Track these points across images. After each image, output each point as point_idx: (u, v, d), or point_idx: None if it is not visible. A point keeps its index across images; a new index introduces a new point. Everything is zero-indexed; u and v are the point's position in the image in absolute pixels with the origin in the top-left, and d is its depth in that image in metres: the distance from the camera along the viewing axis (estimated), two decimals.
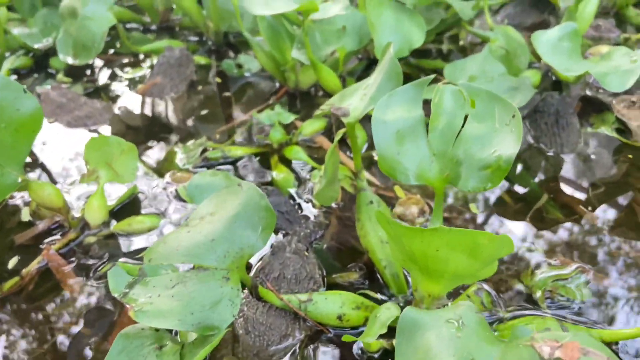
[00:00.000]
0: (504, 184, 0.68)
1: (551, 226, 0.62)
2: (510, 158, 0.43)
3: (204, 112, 0.85)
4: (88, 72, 0.96)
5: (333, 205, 0.64)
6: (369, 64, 0.94)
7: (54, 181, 0.71)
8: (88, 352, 0.48)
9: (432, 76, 0.48)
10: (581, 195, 0.66)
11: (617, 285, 0.55)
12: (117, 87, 0.91)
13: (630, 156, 0.72)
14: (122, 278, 0.43)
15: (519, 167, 0.71)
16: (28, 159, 0.76)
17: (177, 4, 0.99)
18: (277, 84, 0.90)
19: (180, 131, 0.81)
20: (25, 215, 0.65)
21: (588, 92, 0.84)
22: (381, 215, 0.40)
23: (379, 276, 0.54)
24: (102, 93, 0.88)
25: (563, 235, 0.61)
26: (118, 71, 0.95)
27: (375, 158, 0.72)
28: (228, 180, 0.56)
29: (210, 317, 0.38)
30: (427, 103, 0.49)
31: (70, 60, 0.86)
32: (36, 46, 0.97)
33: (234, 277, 0.41)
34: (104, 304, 0.53)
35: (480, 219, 0.64)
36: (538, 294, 0.53)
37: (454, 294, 0.53)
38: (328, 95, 0.85)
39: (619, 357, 0.47)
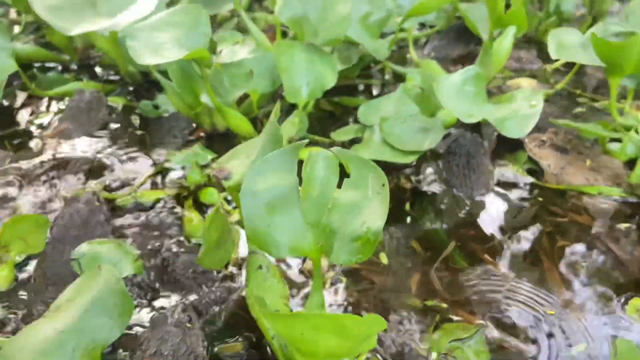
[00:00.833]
0: (414, 230, 0.67)
1: (456, 276, 0.61)
2: (377, 230, 0.41)
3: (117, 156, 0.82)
4: None
5: None
6: (293, 104, 0.93)
7: None
8: None
9: (306, 141, 0.46)
10: (489, 242, 0.66)
11: (520, 339, 0.54)
12: (23, 134, 0.86)
13: (540, 199, 0.71)
14: None
15: (431, 212, 0.70)
16: None
17: (94, 42, 0.96)
18: (195, 125, 0.87)
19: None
20: None
21: None
22: (250, 291, 0.38)
23: (268, 348, 0.51)
24: (6, 141, 0.84)
25: (467, 287, 0.60)
26: (27, 116, 0.90)
27: None
28: (118, 249, 0.54)
29: None
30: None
31: None
32: None
33: None
34: None
35: (389, 270, 0.62)
36: (433, 357, 0.51)
37: None
38: (246, 137, 0.83)
39: None
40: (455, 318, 0.56)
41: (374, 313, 0.37)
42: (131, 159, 0.81)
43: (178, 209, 0.69)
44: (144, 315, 0.56)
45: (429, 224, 0.68)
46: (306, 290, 0.59)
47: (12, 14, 1.25)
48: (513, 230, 0.67)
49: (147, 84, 1.00)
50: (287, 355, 0.50)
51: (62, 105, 0.94)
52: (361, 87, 0.99)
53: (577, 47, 0.73)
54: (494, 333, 0.54)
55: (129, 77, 0.97)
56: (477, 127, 0.85)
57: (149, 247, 0.62)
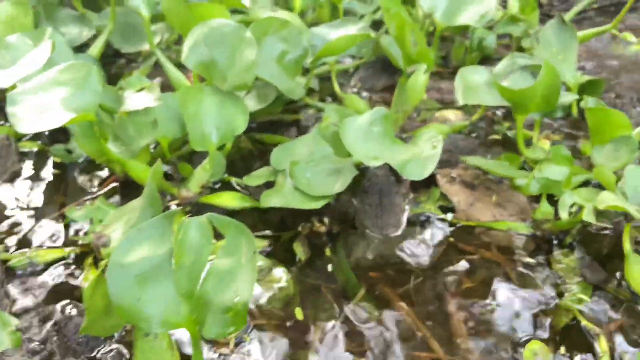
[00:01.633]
0: (327, 278, 0.67)
1: (366, 325, 0.61)
2: (246, 302, 0.40)
3: None
4: None
5: None
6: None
7: None
8: None
9: (179, 209, 0.45)
10: (399, 284, 0.65)
11: None
12: None
13: (451, 239, 0.72)
14: None
15: (343, 257, 0.70)
16: None
17: None
18: (109, 172, 0.85)
19: None
20: None
21: None
22: None
23: None
24: None
25: (376, 337, 0.59)
26: None
27: None
28: None
29: None
30: None
31: None
32: None
33: None
34: None
35: (302, 323, 0.61)
36: None
37: None
38: None
39: None
40: None
41: None
42: (36, 213, 0.77)
43: (78, 269, 0.66)
44: None
45: (341, 269, 0.67)
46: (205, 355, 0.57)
47: None
48: (423, 271, 0.67)
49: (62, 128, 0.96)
50: None
51: None
52: (285, 124, 0.99)
53: (484, 87, 0.75)
54: None
55: None
56: None
57: (42, 310, 0.59)
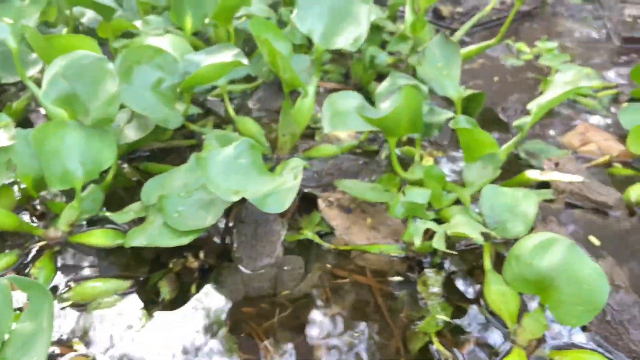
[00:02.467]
0: (195, 320, 0.65)
1: None
2: None
3: None
4: None
5: None
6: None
7: None
8: None
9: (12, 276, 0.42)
10: (265, 319, 0.65)
11: None
12: None
13: (328, 264, 0.72)
14: None
15: (207, 290, 0.68)
16: None
17: None
18: None
19: None
20: None
21: (305, 190, 0.84)
22: None
23: None
24: None
25: None
26: None
27: None
28: None
29: None
30: None
31: None
32: None
33: None
34: None
35: None
36: None
37: None
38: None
39: None
40: None
41: None
42: None
43: None
44: None
45: (207, 309, 0.66)
46: None
47: None
48: (291, 302, 0.66)
49: None
50: None
51: None
52: (179, 149, 0.97)
53: (353, 112, 0.75)
54: None
55: None
56: None
57: None
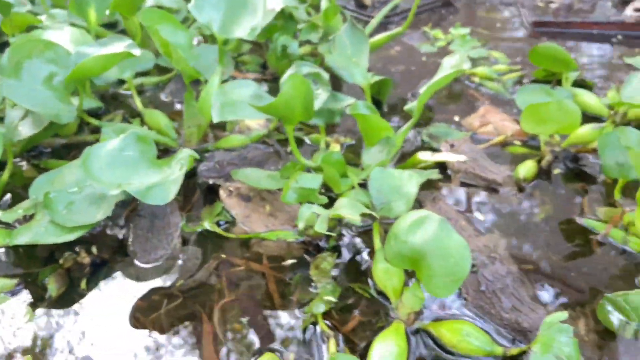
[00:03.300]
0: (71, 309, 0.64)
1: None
2: None
3: None
4: None
5: None
6: None
7: None
8: None
9: None
10: (152, 311, 0.64)
11: None
12: None
13: (224, 255, 0.72)
14: None
15: (97, 285, 0.67)
16: None
17: None
18: None
19: None
20: None
21: (211, 181, 0.84)
22: None
23: None
24: None
25: None
26: None
27: None
28: None
29: None
30: None
31: None
32: None
33: None
34: None
35: None
36: None
37: None
38: None
39: None
40: None
41: None
42: None
43: None
44: None
45: (94, 304, 0.65)
46: None
47: None
48: (184, 291, 0.66)
49: None
50: None
51: None
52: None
53: (244, 101, 0.75)
54: None
55: None
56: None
57: None
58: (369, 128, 0.80)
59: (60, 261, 0.69)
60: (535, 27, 1.37)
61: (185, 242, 0.74)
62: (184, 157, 0.66)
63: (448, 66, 0.78)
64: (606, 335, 0.59)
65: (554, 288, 0.65)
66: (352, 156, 0.90)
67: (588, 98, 0.95)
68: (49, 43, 0.80)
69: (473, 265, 0.65)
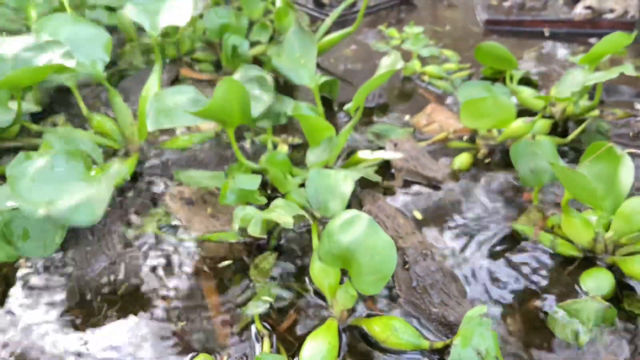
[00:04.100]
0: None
1: None
2: None
3: None
4: None
5: None
6: None
7: None
8: None
9: None
10: (91, 319, 0.65)
11: None
12: None
13: (162, 259, 0.73)
14: None
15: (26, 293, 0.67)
16: None
17: None
18: None
19: None
20: None
21: (155, 179, 0.84)
22: None
23: None
24: None
25: None
26: None
27: None
28: None
29: None
30: None
31: None
32: None
33: None
34: None
35: None
36: None
37: None
38: None
39: None
40: None
41: None
42: None
43: None
44: None
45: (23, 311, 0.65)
46: None
47: None
48: (122, 295, 0.67)
49: None
50: None
51: None
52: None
53: (181, 107, 0.75)
54: None
55: None
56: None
57: None
58: (312, 129, 0.81)
59: None
60: (487, 25, 1.40)
61: (127, 246, 0.74)
62: (119, 168, 0.66)
63: (384, 66, 0.79)
64: (532, 330, 0.61)
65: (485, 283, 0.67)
66: (300, 156, 0.91)
67: (528, 94, 0.98)
68: None
69: (406, 263, 0.67)
